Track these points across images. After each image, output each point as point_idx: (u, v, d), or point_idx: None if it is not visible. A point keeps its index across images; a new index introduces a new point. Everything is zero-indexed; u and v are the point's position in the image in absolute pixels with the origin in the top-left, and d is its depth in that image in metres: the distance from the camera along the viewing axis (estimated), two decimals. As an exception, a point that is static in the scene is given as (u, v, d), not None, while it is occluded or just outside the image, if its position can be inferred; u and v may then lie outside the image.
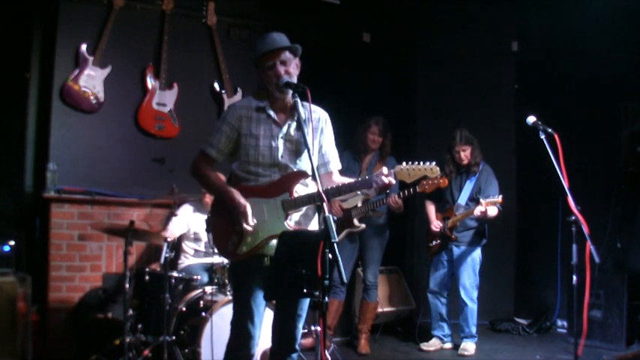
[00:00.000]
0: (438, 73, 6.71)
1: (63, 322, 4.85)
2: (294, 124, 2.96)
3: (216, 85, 5.60)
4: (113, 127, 5.23)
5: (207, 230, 3.22)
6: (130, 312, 4.10)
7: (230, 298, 4.00)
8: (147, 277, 4.28)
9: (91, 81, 5.09)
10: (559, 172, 3.52)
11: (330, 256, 2.35)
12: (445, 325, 5.32)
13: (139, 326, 4.17)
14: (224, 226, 2.95)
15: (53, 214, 4.90)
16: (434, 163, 2.96)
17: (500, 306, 6.34)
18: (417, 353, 5.23)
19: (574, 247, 3.54)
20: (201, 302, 4.17)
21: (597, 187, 5.74)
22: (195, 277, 4.44)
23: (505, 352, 5.29)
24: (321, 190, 2.54)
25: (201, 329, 3.94)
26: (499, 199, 4.85)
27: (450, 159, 5.20)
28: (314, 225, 3.07)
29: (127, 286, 4.06)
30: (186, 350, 4.06)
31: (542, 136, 3.66)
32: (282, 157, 2.93)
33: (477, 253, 5.18)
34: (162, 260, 4.29)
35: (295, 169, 2.95)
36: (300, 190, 2.95)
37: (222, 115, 3.05)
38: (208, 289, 4.26)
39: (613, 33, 5.75)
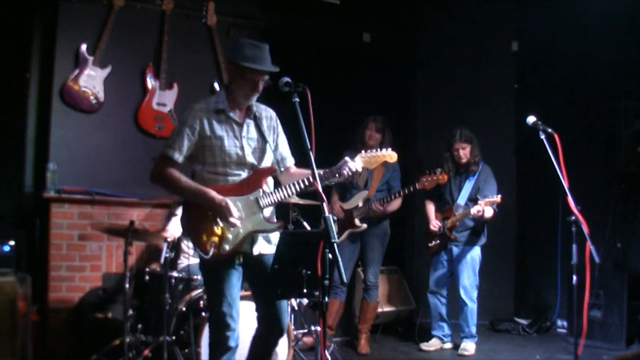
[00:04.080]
0: (438, 73, 6.71)
1: (63, 322, 4.84)
2: (252, 123, 3.05)
3: (216, 85, 5.60)
4: (113, 127, 5.23)
5: (183, 234, 3.24)
6: (130, 312, 4.10)
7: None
8: (147, 277, 4.28)
9: (91, 81, 5.09)
10: (559, 172, 3.52)
11: (330, 256, 2.36)
12: (445, 325, 5.32)
13: (139, 326, 4.17)
14: (200, 226, 2.97)
15: (53, 214, 4.90)
16: (389, 149, 3.16)
17: (500, 306, 6.34)
18: (417, 353, 5.23)
19: (574, 247, 3.54)
20: (201, 302, 4.16)
21: (597, 187, 5.74)
22: (195, 277, 4.43)
23: (505, 352, 5.29)
24: (320, 191, 2.54)
25: (201, 329, 3.94)
26: (497, 198, 4.85)
27: (449, 157, 5.19)
28: None
29: (127, 286, 4.06)
30: (186, 350, 4.05)
31: (542, 136, 3.66)
32: (247, 155, 3.01)
33: (477, 253, 5.18)
34: (162, 260, 4.29)
35: (261, 166, 3.04)
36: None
37: (182, 119, 3.04)
38: (208, 289, 4.25)
39: (613, 33, 5.75)
